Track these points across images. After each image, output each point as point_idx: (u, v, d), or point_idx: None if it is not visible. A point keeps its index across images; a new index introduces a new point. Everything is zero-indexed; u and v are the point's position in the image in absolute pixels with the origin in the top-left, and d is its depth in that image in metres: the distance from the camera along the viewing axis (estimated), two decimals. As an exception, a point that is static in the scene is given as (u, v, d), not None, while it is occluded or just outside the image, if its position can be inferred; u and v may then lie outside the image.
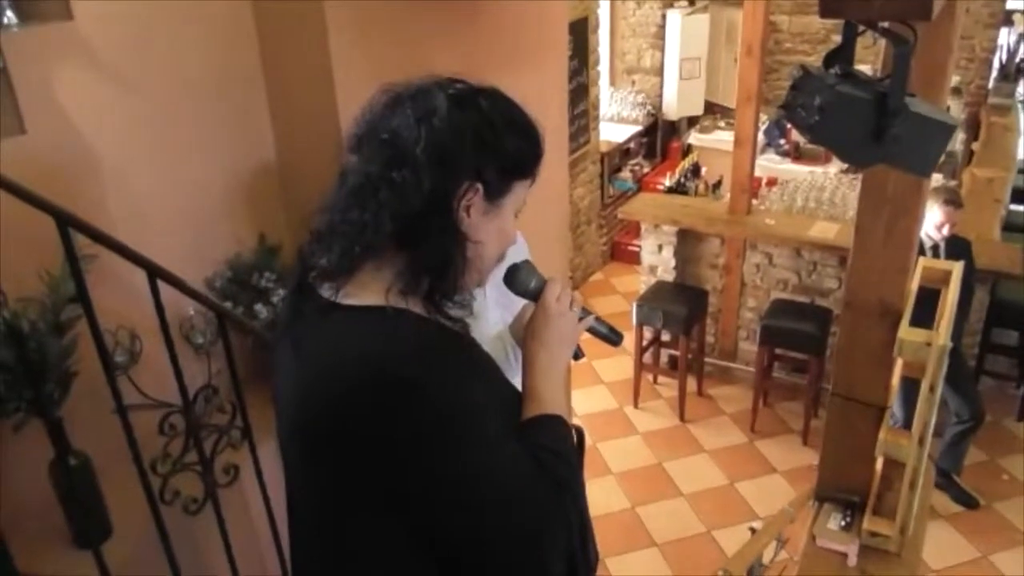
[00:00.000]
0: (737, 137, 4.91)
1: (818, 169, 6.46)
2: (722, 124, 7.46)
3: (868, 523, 2.62)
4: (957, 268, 2.72)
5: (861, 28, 1.74)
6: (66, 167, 1.85)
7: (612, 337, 1.39)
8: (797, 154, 6.97)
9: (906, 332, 2.42)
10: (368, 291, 1.11)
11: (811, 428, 4.70)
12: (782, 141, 7.11)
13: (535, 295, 1.30)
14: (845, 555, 2.57)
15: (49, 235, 1.60)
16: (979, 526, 4.12)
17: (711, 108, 7.64)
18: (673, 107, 7.40)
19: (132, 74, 1.97)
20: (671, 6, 7.17)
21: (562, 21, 3.14)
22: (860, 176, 5.47)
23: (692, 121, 7.66)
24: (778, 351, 4.92)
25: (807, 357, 4.69)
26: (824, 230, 4.76)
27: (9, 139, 1.70)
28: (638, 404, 5.16)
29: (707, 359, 5.33)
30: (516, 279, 1.30)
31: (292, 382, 1.13)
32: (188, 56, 2.11)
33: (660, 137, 7.58)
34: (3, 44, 1.61)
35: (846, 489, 2.82)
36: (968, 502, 4.23)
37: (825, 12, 1.60)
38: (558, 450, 1.16)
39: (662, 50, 7.29)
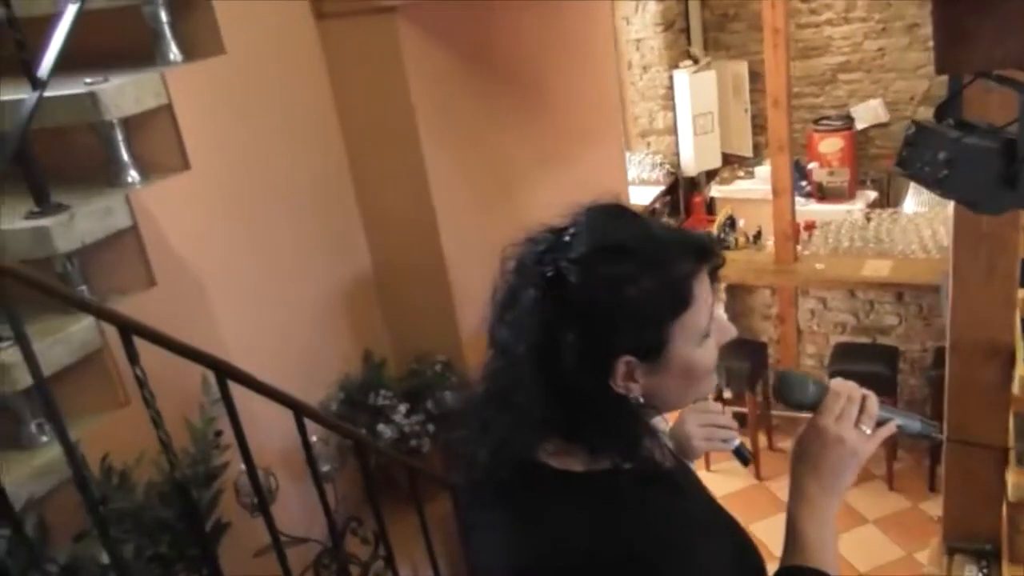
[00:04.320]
0: (774, 187, 4.92)
1: (845, 207, 6.46)
2: (741, 174, 7.51)
3: (1008, 572, 2.51)
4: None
5: (968, 78, 1.74)
6: (186, 308, 1.84)
7: (927, 432, 1.17)
8: (821, 194, 6.98)
9: (1026, 369, 2.36)
10: (570, 454, 1.00)
11: (894, 471, 4.56)
12: (804, 183, 7.13)
13: (813, 407, 1.12)
14: (994, 608, 2.46)
15: (179, 381, 1.58)
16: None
17: (728, 159, 7.70)
18: (691, 163, 7.46)
19: (239, 209, 1.98)
20: (677, 67, 7.30)
21: (615, 96, 3.19)
22: (897, 211, 5.46)
23: (711, 175, 7.71)
24: (848, 395, 4.81)
25: (880, 398, 4.57)
26: (876, 268, 4.72)
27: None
28: (710, 467, 5.02)
29: (773, 412, 5.22)
30: (785, 393, 1.13)
31: (498, 547, 1.03)
32: (286, 180, 2.13)
33: (682, 194, 7.62)
34: (132, 201, 1.62)
35: (975, 537, 2.71)
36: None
37: (943, 68, 1.59)
38: None
39: (673, 110, 7.40)
